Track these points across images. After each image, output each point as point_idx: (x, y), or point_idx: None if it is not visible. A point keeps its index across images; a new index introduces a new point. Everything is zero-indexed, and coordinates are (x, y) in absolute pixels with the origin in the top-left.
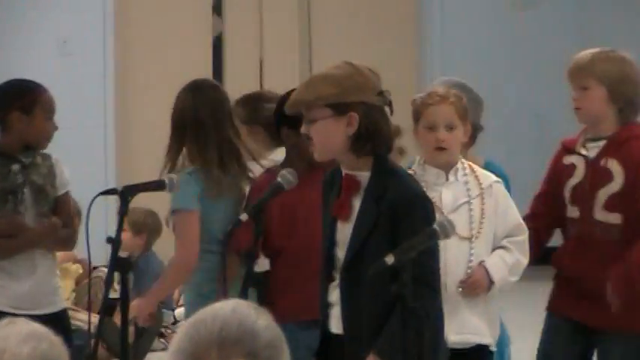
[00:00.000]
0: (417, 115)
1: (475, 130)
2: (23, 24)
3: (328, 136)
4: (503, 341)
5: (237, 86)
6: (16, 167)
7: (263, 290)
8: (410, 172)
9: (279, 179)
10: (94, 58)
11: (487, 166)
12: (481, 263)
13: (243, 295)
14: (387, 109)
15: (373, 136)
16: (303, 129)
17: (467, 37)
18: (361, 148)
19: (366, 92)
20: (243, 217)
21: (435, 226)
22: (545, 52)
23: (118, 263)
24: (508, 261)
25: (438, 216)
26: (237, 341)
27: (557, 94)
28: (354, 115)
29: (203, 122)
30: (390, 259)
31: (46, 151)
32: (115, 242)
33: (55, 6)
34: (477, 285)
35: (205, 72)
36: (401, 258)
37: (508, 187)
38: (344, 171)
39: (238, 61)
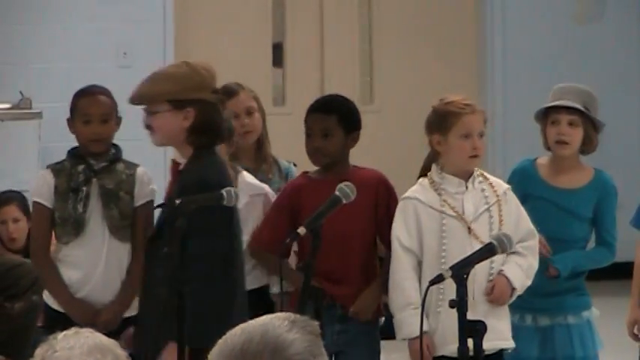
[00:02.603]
0: (445, 124)
1: (598, 131)
2: (83, 35)
3: (167, 128)
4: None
5: (298, 95)
6: (80, 168)
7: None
8: (427, 180)
9: (337, 193)
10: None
11: (597, 175)
12: (501, 273)
13: (301, 307)
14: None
15: (207, 130)
16: (144, 119)
17: (529, 50)
18: (196, 140)
19: (203, 90)
20: (301, 230)
21: (493, 240)
22: (609, 64)
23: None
24: (524, 267)
25: (491, 233)
26: (257, 354)
27: (622, 107)
28: (191, 111)
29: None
30: None
31: (136, 162)
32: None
33: (113, 17)
34: (503, 295)
35: (265, 79)
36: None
37: (615, 198)
38: (176, 159)
39: (298, 70)
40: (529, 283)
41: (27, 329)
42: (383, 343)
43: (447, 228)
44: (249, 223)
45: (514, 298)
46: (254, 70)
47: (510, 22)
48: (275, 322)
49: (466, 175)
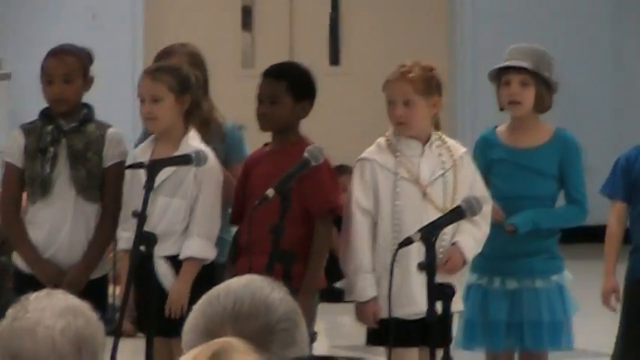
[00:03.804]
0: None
1: (552, 90)
2: None
3: None
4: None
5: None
6: (49, 128)
7: (289, 265)
8: (384, 140)
9: (305, 154)
10: (123, 31)
11: (557, 133)
12: (456, 244)
13: (269, 269)
14: None
15: None
16: None
17: (498, 11)
18: None
19: None
20: (270, 192)
21: (462, 203)
22: (579, 25)
23: (143, 237)
24: (478, 237)
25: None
26: (251, 315)
27: (593, 69)
28: None
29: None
30: None
31: (111, 123)
32: (140, 217)
33: None
34: (456, 267)
35: (234, 42)
36: None
37: (579, 155)
38: None
39: (267, 33)
40: (479, 251)
41: None
42: (332, 306)
43: (400, 190)
44: None
45: (464, 268)
46: (223, 33)
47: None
48: (258, 284)
49: (424, 138)
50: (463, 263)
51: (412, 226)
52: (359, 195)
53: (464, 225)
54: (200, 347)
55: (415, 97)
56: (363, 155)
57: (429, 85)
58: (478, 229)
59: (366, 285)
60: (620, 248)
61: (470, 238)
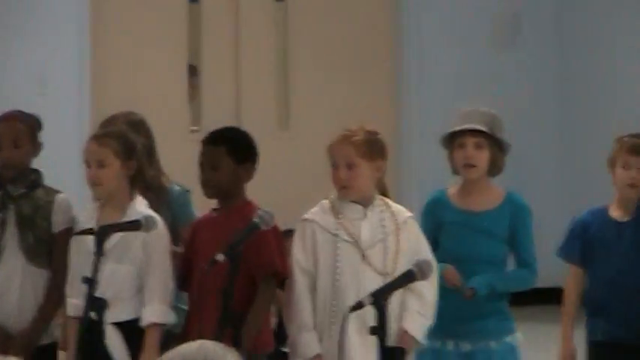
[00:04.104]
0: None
1: (504, 152)
2: (3, 63)
3: None
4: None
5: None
6: None
7: (239, 327)
8: (328, 202)
9: (255, 219)
10: (70, 97)
11: (508, 197)
12: (404, 330)
13: (219, 333)
14: None
15: None
16: None
17: (444, 76)
18: None
19: None
20: (220, 257)
21: (413, 267)
22: (523, 89)
23: (94, 303)
24: (426, 312)
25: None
26: None
27: (537, 131)
28: None
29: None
30: None
31: (60, 189)
32: (91, 282)
33: (30, 45)
34: (409, 349)
35: (182, 105)
36: None
37: (530, 217)
38: None
39: (214, 96)
40: (431, 322)
41: None
42: None
43: (340, 252)
44: None
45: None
46: (170, 95)
47: (426, 48)
48: (210, 347)
49: (367, 201)
50: (416, 343)
51: (350, 287)
52: (299, 256)
53: (410, 302)
54: None
55: (358, 160)
56: (305, 216)
57: (373, 148)
58: (424, 302)
59: (309, 342)
60: (577, 311)
61: (417, 317)
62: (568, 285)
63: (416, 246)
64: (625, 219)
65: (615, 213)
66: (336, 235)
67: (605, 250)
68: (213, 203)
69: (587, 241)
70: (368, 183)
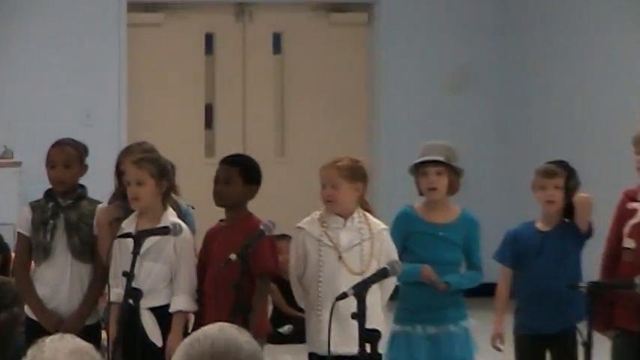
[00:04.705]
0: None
1: (460, 176)
2: (54, 99)
3: None
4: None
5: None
6: (50, 205)
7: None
8: (318, 214)
9: (261, 227)
10: (111, 128)
11: (463, 213)
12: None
13: (232, 319)
14: None
15: None
16: None
17: (409, 115)
18: None
19: None
20: (233, 256)
21: (387, 265)
22: (471, 124)
23: (132, 292)
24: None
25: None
26: (226, 353)
27: (481, 159)
28: None
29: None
30: None
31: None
32: (129, 276)
33: (79, 85)
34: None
35: (199, 136)
36: None
37: (479, 229)
38: None
39: (225, 128)
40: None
41: (9, 334)
42: (276, 347)
43: (323, 254)
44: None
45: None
46: (190, 128)
47: (394, 92)
48: (229, 329)
49: (348, 215)
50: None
51: (329, 284)
52: (292, 261)
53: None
54: None
55: (340, 180)
56: (298, 224)
57: (354, 172)
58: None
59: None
60: (507, 303)
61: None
62: (500, 283)
63: (388, 252)
64: (547, 229)
65: (540, 225)
66: (320, 241)
67: (531, 256)
68: (215, 217)
69: (517, 247)
70: (349, 200)
